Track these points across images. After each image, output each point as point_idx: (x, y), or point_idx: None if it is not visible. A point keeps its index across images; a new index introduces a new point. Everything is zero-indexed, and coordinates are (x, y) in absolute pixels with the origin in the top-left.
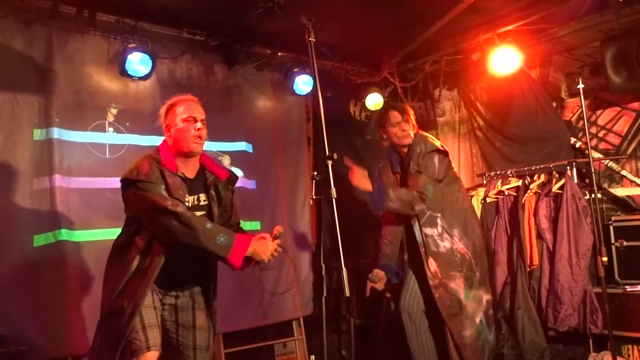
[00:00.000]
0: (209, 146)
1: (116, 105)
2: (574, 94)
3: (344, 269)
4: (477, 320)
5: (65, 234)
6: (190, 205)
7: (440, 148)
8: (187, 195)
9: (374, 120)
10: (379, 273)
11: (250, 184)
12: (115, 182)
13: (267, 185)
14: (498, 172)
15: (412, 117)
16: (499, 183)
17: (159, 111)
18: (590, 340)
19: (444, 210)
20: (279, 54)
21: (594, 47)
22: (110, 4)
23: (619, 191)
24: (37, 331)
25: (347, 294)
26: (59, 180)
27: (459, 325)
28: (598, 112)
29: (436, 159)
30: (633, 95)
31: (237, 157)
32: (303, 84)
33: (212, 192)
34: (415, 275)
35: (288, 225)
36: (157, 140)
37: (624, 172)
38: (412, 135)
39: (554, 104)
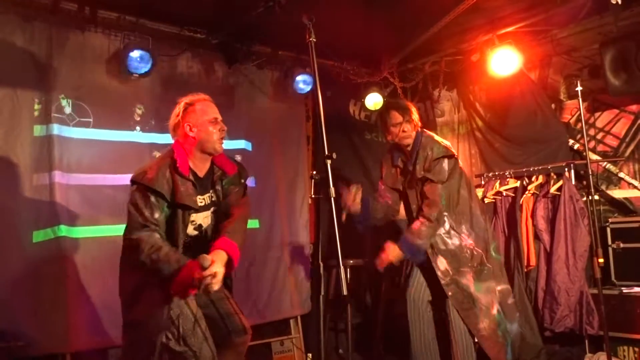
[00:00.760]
0: None
1: (117, 103)
2: (572, 95)
3: (342, 267)
4: (494, 311)
5: (64, 230)
6: (203, 204)
7: (449, 152)
8: (198, 196)
9: (376, 118)
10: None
11: (249, 182)
12: (114, 179)
13: (266, 183)
14: (496, 173)
15: (415, 116)
16: (497, 184)
17: (159, 109)
18: (586, 341)
19: (450, 209)
20: (279, 52)
21: (593, 49)
22: (111, 1)
23: (617, 193)
24: (36, 327)
25: (345, 292)
26: (58, 176)
27: (474, 319)
28: (596, 115)
29: (445, 164)
30: (631, 97)
31: (237, 155)
32: (303, 83)
33: (218, 187)
34: (422, 272)
35: (287, 224)
36: (156, 138)
37: (621, 174)
38: (414, 134)
39: (553, 106)
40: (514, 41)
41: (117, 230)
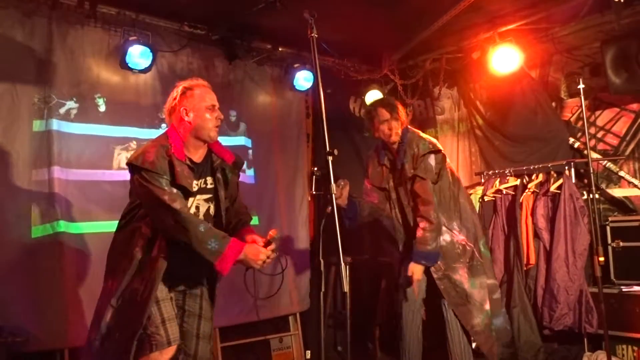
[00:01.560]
0: None
1: (116, 98)
2: (573, 94)
3: (342, 264)
4: (486, 307)
5: (63, 226)
6: (197, 189)
7: (436, 148)
8: (194, 181)
9: (364, 115)
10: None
11: (249, 179)
12: (113, 175)
13: (266, 180)
14: (496, 171)
15: (402, 114)
16: (497, 182)
17: (159, 104)
18: (585, 340)
19: (441, 205)
20: (280, 49)
21: (594, 47)
22: None
23: (617, 192)
24: (35, 322)
25: (346, 289)
26: (57, 171)
27: (467, 314)
28: (597, 113)
29: (432, 159)
30: (632, 96)
31: (236, 152)
32: (303, 79)
33: (219, 175)
34: None
35: (286, 220)
36: (156, 133)
37: (621, 173)
38: (400, 132)
39: (554, 104)
40: (515, 39)
41: (115, 226)
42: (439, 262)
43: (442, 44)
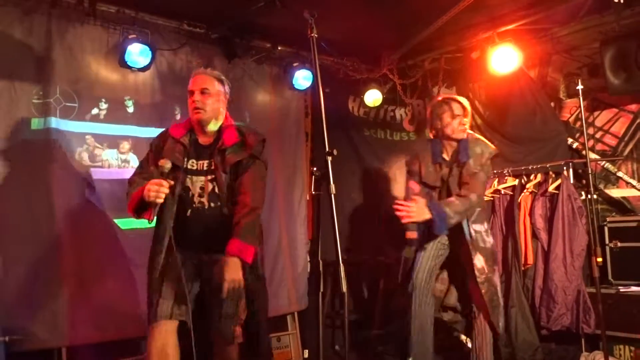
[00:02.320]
0: None
1: (114, 96)
2: (572, 94)
3: (341, 265)
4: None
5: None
6: (195, 168)
7: (493, 155)
8: (188, 160)
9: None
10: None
11: None
12: (112, 173)
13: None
14: (495, 171)
15: (469, 114)
16: (495, 182)
17: (157, 103)
18: (583, 340)
19: (483, 207)
20: (279, 48)
21: (593, 48)
22: None
23: (615, 192)
24: (32, 321)
25: (344, 289)
26: (56, 170)
27: (498, 316)
28: (596, 113)
29: (490, 163)
30: (631, 97)
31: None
32: (302, 78)
33: (218, 157)
34: (452, 266)
35: (285, 220)
36: (155, 132)
37: (620, 174)
38: (466, 132)
39: (552, 104)
40: (514, 39)
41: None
42: (484, 265)
43: (441, 43)
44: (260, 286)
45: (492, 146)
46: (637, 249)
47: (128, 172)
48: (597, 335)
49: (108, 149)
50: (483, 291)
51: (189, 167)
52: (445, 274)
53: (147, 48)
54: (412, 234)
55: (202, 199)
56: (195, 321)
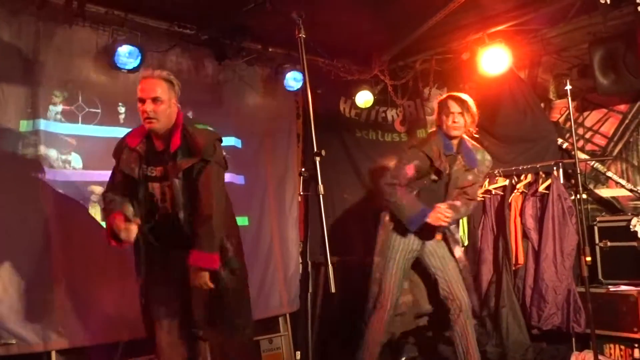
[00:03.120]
0: None
1: (104, 98)
2: (562, 95)
3: (329, 265)
4: None
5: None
6: (153, 175)
7: None
8: (148, 166)
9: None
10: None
11: (239, 180)
12: (101, 175)
13: (256, 180)
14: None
15: (473, 112)
16: (486, 182)
17: None
18: (573, 339)
19: None
20: (270, 49)
21: (582, 49)
22: None
23: (604, 192)
24: (21, 324)
25: (333, 290)
26: (45, 172)
27: (473, 299)
28: (585, 114)
29: None
30: (620, 97)
31: (226, 153)
32: (293, 80)
33: (170, 163)
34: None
35: (276, 221)
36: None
37: (609, 174)
38: (463, 130)
39: (542, 105)
40: (504, 40)
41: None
42: (461, 255)
43: (432, 44)
44: (234, 279)
45: (488, 154)
46: (627, 248)
47: None
48: (588, 334)
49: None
50: (463, 276)
51: (149, 174)
52: (406, 284)
53: (136, 49)
54: (440, 236)
55: (165, 204)
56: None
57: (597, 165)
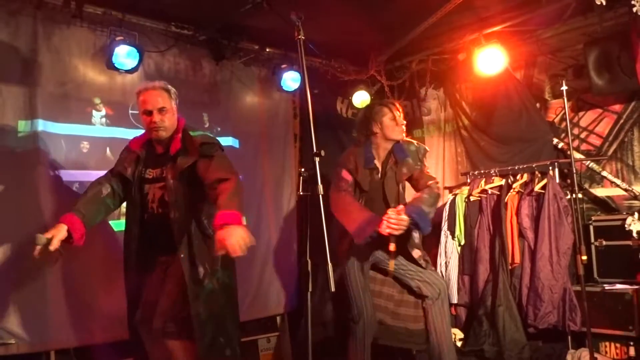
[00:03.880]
0: None
1: (102, 98)
2: (557, 95)
3: (329, 264)
4: None
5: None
6: (151, 177)
7: None
8: (145, 169)
9: (362, 114)
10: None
11: None
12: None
13: (253, 180)
14: (482, 171)
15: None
16: (482, 182)
17: None
18: (569, 337)
19: None
20: (267, 49)
21: (577, 49)
22: None
23: (599, 191)
24: (20, 324)
25: (333, 289)
26: (43, 172)
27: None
28: (580, 114)
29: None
30: (615, 97)
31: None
32: (290, 80)
33: (169, 164)
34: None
35: (274, 221)
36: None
37: (604, 173)
38: (404, 133)
39: (538, 105)
40: (500, 41)
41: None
42: (420, 254)
43: (428, 45)
44: (222, 293)
45: (423, 145)
46: (622, 247)
47: None
48: (584, 332)
49: (94, 151)
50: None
51: (147, 176)
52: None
53: (134, 50)
54: (393, 247)
55: (154, 205)
56: None
57: (593, 164)
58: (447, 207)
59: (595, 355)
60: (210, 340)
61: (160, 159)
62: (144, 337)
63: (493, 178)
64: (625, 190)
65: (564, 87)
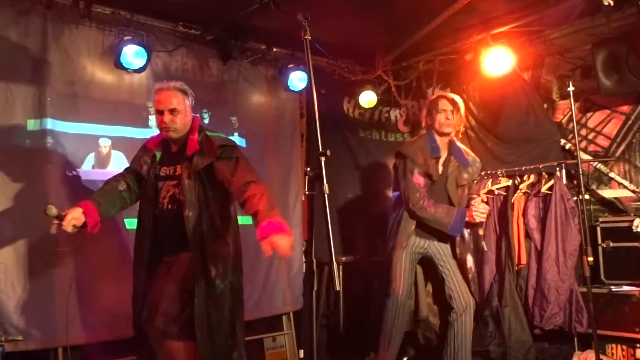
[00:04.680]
0: None
1: (110, 98)
2: (565, 96)
3: (334, 263)
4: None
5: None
6: (165, 175)
7: None
8: (161, 167)
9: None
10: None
11: None
12: (108, 174)
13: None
14: (488, 172)
15: (462, 113)
16: (489, 182)
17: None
18: (575, 339)
19: None
20: (274, 49)
21: (585, 50)
22: None
23: (607, 193)
24: (29, 321)
25: (338, 288)
26: (52, 171)
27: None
28: (588, 115)
29: None
30: (623, 98)
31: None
32: (297, 80)
33: (185, 163)
34: (428, 271)
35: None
36: (149, 133)
37: (612, 174)
38: (455, 129)
39: (545, 106)
40: (507, 41)
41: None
42: (472, 265)
43: (435, 45)
44: (232, 297)
45: (477, 158)
46: (629, 249)
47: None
48: (590, 334)
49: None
50: (472, 289)
51: (161, 173)
52: (412, 288)
53: (142, 49)
54: (482, 230)
55: (165, 201)
56: None
57: (600, 166)
58: None
59: (602, 357)
60: (220, 342)
61: (175, 157)
62: (150, 337)
63: (500, 179)
64: (633, 191)
65: (571, 88)
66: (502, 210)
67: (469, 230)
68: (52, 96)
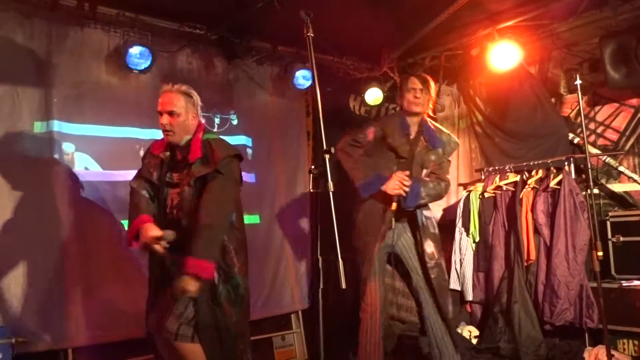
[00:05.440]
0: None
1: (116, 99)
2: (572, 89)
3: (340, 261)
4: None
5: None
6: (171, 181)
7: None
8: (167, 173)
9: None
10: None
11: (250, 178)
12: (113, 175)
13: (267, 179)
14: (496, 167)
15: (432, 93)
16: (497, 178)
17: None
18: (586, 335)
19: None
20: (279, 48)
21: (593, 43)
22: None
23: (616, 187)
24: (39, 322)
25: (344, 286)
26: (59, 173)
27: (446, 300)
28: (597, 108)
29: None
30: (631, 91)
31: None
32: (303, 78)
33: (185, 171)
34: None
35: (287, 219)
36: (155, 134)
37: (621, 168)
38: (423, 108)
39: (553, 100)
40: (514, 35)
41: None
42: (433, 250)
43: (441, 41)
44: (236, 299)
45: (455, 137)
46: None
47: (130, 175)
48: (601, 329)
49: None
50: (433, 276)
51: (167, 180)
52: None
53: (147, 50)
54: (395, 206)
55: (173, 210)
56: None
57: (609, 160)
58: (461, 203)
59: (613, 352)
60: (231, 346)
61: (179, 164)
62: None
63: (508, 174)
64: None
65: (578, 82)
66: (511, 206)
67: (426, 214)
68: (58, 98)
